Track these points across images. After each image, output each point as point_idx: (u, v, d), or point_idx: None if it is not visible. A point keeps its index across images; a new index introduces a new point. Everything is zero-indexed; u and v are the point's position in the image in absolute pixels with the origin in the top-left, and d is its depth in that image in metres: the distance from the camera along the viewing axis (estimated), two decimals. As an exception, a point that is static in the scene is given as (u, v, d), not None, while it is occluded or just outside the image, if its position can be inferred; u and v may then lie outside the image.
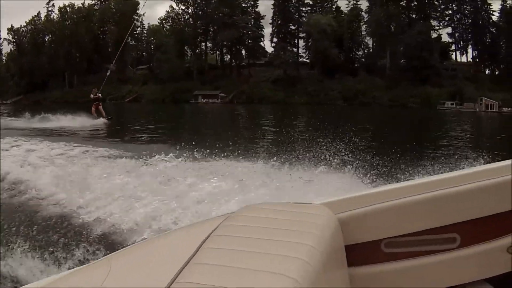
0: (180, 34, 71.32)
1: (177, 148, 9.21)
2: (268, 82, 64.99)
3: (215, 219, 1.82)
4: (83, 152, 11.48)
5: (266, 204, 2.03)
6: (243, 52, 73.00)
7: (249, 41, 70.91)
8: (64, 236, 5.49)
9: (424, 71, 58.94)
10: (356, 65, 66.91)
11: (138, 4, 78.29)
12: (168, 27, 76.14)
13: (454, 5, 67.25)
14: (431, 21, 66.94)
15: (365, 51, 69.66)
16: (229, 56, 74.67)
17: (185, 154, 8.55)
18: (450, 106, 56.54)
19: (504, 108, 54.39)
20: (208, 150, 9.05)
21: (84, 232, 5.66)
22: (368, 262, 1.81)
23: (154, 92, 69.11)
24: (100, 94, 27.01)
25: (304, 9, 70.66)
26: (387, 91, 59.03)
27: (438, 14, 67.58)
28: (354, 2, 68.88)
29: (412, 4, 66.39)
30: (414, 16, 66.39)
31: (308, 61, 69.48)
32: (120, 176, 7.66)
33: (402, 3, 65.89)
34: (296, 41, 70.19)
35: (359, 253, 1.80)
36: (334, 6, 71.32)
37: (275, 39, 71.45)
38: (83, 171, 8.50)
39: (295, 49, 70.90)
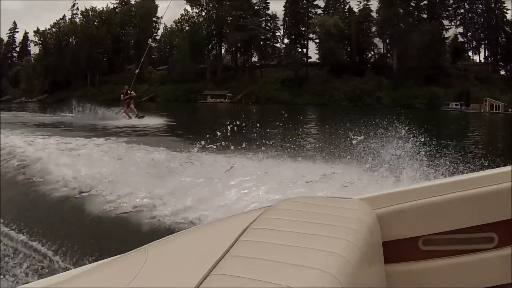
0: (194, 36, 75.53)
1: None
2: (277, 82, 68.10)
3: (253, 212, 1.84)
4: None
5: (304, 198, 2.03)
6: (255, 53, 76.53)
7: (260, 42, 74.33)
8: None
9: (431, 71, 59.95)
10: (364, 65, 68.60)
11: (157, 7, 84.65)
12: (182, 29, 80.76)
13: (466, 4, 68.11)
14: (443, 20, 67.77)
15: (374, 51, 71.49)
16: (243, 57, 78.36)
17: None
18: (454, 107, 57.34)
19: (510, 109, 54.53)
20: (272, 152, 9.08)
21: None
22: (404, 259, 1.83)
23: (169, 92, 73.94)
24: (133, 92, 27.50)
25: (313, 10, 73.26)
26: (392, 92, 60.67)
27: (449, 13, 68.51)
28: (365, 2, 71.02)
29: (422, 4, 67.76)
30: (424, 15, 67.61)
31: (318, 62, 72.14)
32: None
33: (412, 2, 67.34)
34: (305, 42, 72.97)
35: (396, 250, 1.82)
36: (346, 7, 73.85)
37: (286, 40, 74.62)
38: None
39: (304, 50, 73.49)
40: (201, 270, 1.31)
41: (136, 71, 32.10)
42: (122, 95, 27.12)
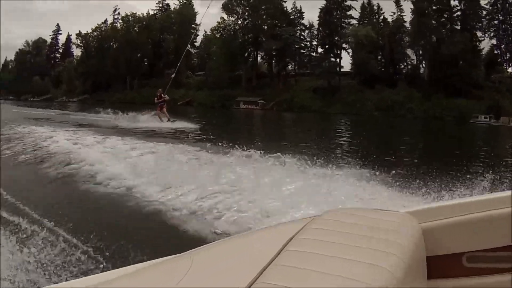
0: (230, 44, 79.50)
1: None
2: (309, 91, 70.77)
3: (299, 222, 1.88)
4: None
5: (351, 209, 2.05)
6: (289, 61, 79.94)
7: (294, 51, 77.50)
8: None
9: (461, 83, 60.85)
10: (397, 76, 70.19)
11: (196, 14, 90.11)
12: (221, 37, 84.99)
13: (500, 15, 68.57)
14: (476, 32, 68.39)
15: (407, 62, 72.84)
16: (278, 66, 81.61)
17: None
18: (483, 120, 57.79)
19: (540, 123, 54.15)
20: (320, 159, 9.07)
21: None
22: (448, 275, 1.82)
23: (205, 97, 78.09)
24: (166, 96, 27.65)
25: (346, 20, 75.77)
26: (423, 103, 61.92)
27: (482, 25, 69.12)
28: (399, 13, 72.97)
29: (455, 15, 68.67)
30: (457, 27, 68.45)
31: (351, 71, 74.36)
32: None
33: (445, 13, 68.40)
34: (338, 51, 75.30)
35: (439, 265, 1.81)
36: (381, 18, 76.07)
37: (320, 50, 77.53)
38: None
39: (338, 60, 75.80)
40: (246, 278, 1.37)
41: (172, 76, 32.82)
42: (156, 98, 27.67)
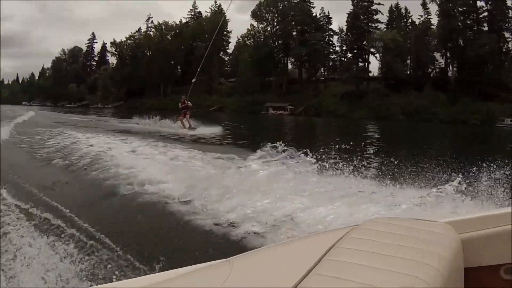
0: (259, 51, 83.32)
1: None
2: (337, 96, 73.10)
3: (339, 231, 1.90)
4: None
5: (390, 219, 2.05)
6: (318, 67, 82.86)
7: (322, 56, 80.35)
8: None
9: (488, 85, 61.31)
10: (424, 80, 70.69)
11: (228, 21, 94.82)
12: (255, 42, 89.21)
13: None
14: (504, 33, 68.36)
15: (434, 65, 73.89)
16: (308, 71, 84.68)
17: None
18: (509, 123, 58.16)
19: None
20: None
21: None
22: (485, 287, 1.80)
23: (235, 103, 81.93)
24: (189, 102, 28.20)
25: (373, 25, 77.54)
26: (449, 107, 62.79)
27: (510, 26, 68.69)
28: (426, 16, 74.37)
29: (482, 16, 69.14)
30: (484, 28, 68.85)
31: (379, 76, 76.24)
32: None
33: (471, 15, 68.99)
34: (366, 56, 77.43)
35: (476, 277, 1.80)
36: (409, 21, 77.73)
37: (349, 55, 79.80)
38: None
39: (366, 64, 78.13)
40: (285, 286, 1.41)
41: (193, 80, 30.43)
42: (180, 104, 28.29)
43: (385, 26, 77.57)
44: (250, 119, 61.17)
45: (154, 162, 11.59)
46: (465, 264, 1.80)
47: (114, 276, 5.00)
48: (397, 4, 78.48)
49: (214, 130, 26.27)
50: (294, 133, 38.60)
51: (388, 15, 78.76)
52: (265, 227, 6.16)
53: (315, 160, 8.47)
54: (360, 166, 8.26)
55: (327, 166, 8.26)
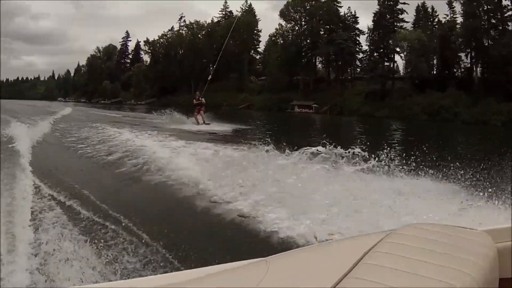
0: (287, 50, 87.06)
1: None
2: (361, 95, 75.12)
3: (376, 235, 1.96)
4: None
5: (428, 225, 2.06)
6: (344, 66, 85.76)
7: (348, 56, 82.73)
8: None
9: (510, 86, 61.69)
10: (448, 80, 71.23)
11: (258, 21, 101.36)
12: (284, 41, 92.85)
13: None
14: None
15: (459, 65, 74.62)
16: (335, 70, 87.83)
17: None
18: None
19: None
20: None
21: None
22: None
23: (263, 101, 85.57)
24: (203, 99, 29.49)
25: (399, 24, 79.01)
26: (471, 107, 63.40)
27: None
28: (451, 15, 75.25)
29: (507, 15, 69.22)
30: (509, 28, 68.78)
31: (404, 75, 77.83)
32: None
33: (496, 15, 69.38)
34: (392, 56, 79.17)
35: None
36: (435, 20, 79.09)
37: (375, 54, 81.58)
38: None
39: (391, 64, 79.97)
40: None
41: (209, 78, 34.45)
42: (194, 101, 30.02)
43: (412, 26, 78.97)
44: (279, 117, 64.32)
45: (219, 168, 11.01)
46: (500, 274, 1.83)
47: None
48: (423, 3, 79.78)
49: (226, 128, 27.56)
50: (335, 132, 39.79)
51: (415, 14, 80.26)
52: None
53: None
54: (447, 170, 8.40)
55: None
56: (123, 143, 16.82)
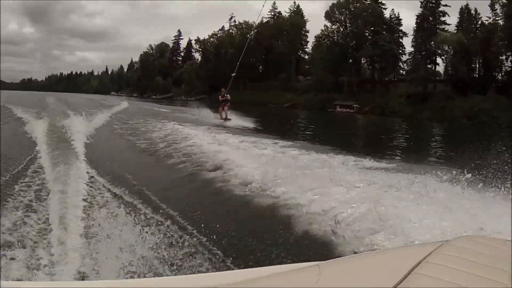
0: (332, 51, 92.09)
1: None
2: (403, 97, 77.85)
3: (429, 245, 1.96)
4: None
5: (481, 238, 2.10)
6: (388, 67, 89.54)
7: (391, 57, 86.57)
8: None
9: None
10: (490, 83, 72.96)
11: (306, 21, 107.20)
12: (323, 44, 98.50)
13: None
14: None
15: (501, 68, 75.78)
16: (379, 72, 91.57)
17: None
18: None
19: None
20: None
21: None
22: None
23: (308, 100, 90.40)
24: (228, 95, 30.99)
25: (441, 26, 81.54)
26: (509, 111, 63.10)
27: None
28: (494, 17, 76.33)
29: None
30: None
31: (446, 78, 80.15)
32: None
33: None
34: (434, 58, 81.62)
35: None
36: (479, 23, 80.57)
37: (417, 56, 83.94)
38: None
39: (433, 66, 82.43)
40: None
41: (233, 74, 34.23)
42: (220, 97, 31.34)
43: (455, 28, 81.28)
44: (325, 116, 68.06)
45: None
46: None
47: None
48: (467, 5, 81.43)
49: (247, 124, 29.02)
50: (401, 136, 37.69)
51: (458, 16, 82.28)
52: None
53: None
54: None
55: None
56: (179, 133, 18.45)
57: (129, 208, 7.96)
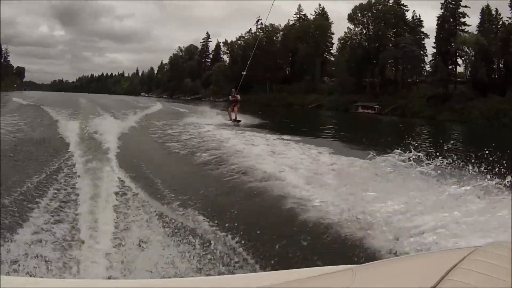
0: (354, 52, 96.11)
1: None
2: (424, 98, 79.85)
3: (462, 250, 1.98)
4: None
5: None
6: (409, 69, 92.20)
7: (412, 59, 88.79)
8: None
9: None
10: (509, 84, 73.38)
11: (331, 24, 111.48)
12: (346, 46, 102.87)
13: None
14: None
15: None
16: (401, 73, 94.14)
17: None
18: None
19: None
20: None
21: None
22: None
23: (331, 102, 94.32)
24: (238, 96, 31.41)
25: (460, 28, 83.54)
26: None
27: None
28: None
29: None
30: None
31: (465, 79, 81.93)
32: None
33: None
34: (454, 59, 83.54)
35: None
36: (499, 23, 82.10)
37: (438, 57, 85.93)
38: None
39: (453, 67, 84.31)
40: None
41: (243, 73, 33.04)
42: (230, 97, 31.92)
43: (476, 29, 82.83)
44: (346, 117, 71.49)
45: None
46: None
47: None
48: (487, 6, 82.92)
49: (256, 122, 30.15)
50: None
51: (480, 17, 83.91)
52: None
53: None
54: None
55: None
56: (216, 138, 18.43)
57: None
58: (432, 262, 1.96)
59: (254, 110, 42.08)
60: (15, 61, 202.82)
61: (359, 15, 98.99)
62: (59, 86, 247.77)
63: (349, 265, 2.05)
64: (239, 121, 29.84)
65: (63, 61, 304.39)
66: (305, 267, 2.27)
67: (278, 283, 2.01)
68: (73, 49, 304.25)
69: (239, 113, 31.87)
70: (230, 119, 30.15)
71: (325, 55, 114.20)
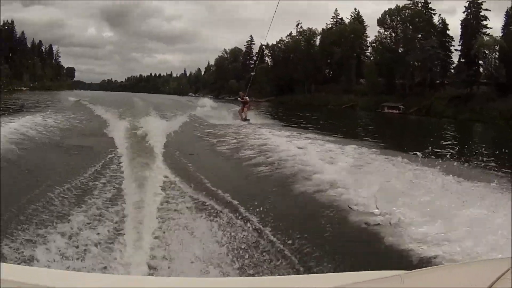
0: (384, 55, 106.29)
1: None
2: (446, 98, 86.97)
3: (507, 260, 1.98)
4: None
5: None
6: (435, 71, 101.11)
7: (436, 61, 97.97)
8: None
9: None
10: None
11: (366, 27, 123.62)
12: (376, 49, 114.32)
13: None
14: None
15: None
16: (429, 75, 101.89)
17: None
18: None
19: None
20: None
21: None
22: None
23: (364, 102, 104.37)
24: (247, 98, 32.60)
25: (482, 30, 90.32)
26: None
27: None
28: None
29: None
30: None
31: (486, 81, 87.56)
32: None
33: None
34: (477, 60, 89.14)
35: None
36: None
37: (462, 60, 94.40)
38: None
39: (476, 69, 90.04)
40: None
41: (252, 74, 34.62)
42: (239, 98, 33.21)
43: (501, 31, 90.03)
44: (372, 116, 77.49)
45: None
46: None
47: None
48: (511, 8, 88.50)
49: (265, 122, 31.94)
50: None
51: (505, 18, 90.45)
52: None
53: None
54: None
55: None
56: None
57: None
58: (479, 271, 2.09)
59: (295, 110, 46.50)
60: (65, 62, 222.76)
61: (388, 19, 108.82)
62: (108, 85, 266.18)
63: (397, 271, 2.20)
64: (248, 120, 31.10)
65: (111, 62, 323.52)
66: (352, 271, 2.47)
67: None
68: (121, 50, 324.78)
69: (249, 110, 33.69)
70: (241, 119, 31.26)
71: (360, 57, 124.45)
